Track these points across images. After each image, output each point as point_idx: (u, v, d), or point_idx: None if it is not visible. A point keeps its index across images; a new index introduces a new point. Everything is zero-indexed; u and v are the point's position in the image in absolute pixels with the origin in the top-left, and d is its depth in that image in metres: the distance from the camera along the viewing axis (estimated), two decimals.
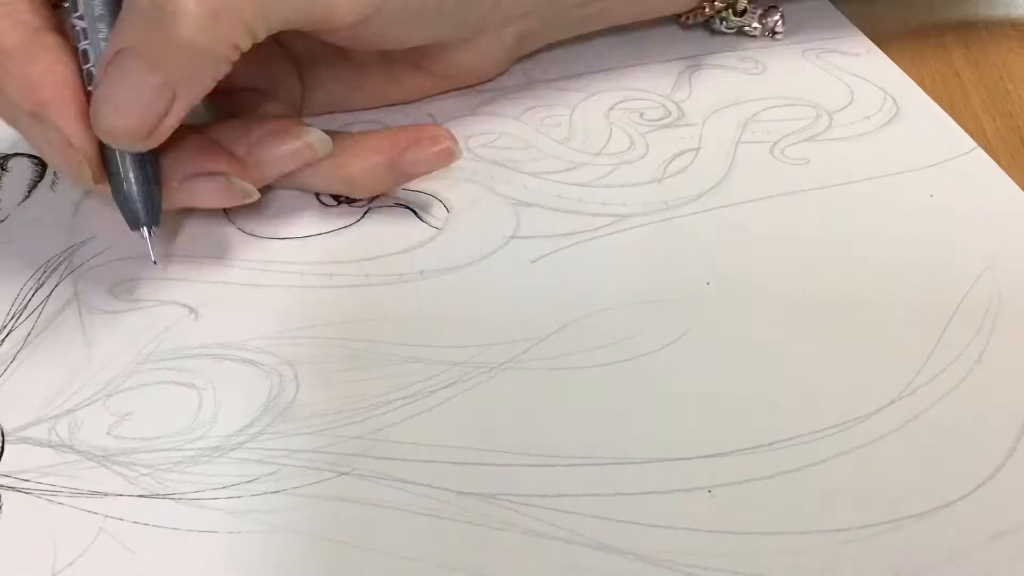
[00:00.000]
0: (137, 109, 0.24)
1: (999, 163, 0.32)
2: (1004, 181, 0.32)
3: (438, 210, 0.31)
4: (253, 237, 0.30)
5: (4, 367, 0.26)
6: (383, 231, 0.30)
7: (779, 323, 0.27)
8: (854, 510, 0.23)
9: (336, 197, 0.32)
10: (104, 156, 0.26)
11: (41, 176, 0.33)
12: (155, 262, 0.27)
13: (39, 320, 0.27)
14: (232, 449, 0.24)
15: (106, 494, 0.23)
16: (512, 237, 0.30)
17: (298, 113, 0.33)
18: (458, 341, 0.27)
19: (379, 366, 0.26)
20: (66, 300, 0.28)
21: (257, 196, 0.28)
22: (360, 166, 0.29)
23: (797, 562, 0.22)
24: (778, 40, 0.38)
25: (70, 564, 0.22)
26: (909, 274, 0.28)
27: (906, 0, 0.41)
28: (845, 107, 0.35)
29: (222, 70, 0.25)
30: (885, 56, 0.38)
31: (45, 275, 0.29)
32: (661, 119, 0.35)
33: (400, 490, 0.23)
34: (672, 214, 0.31)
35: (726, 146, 0.34)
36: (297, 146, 0.28)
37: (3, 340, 0.27)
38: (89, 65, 0.25)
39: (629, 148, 0.34)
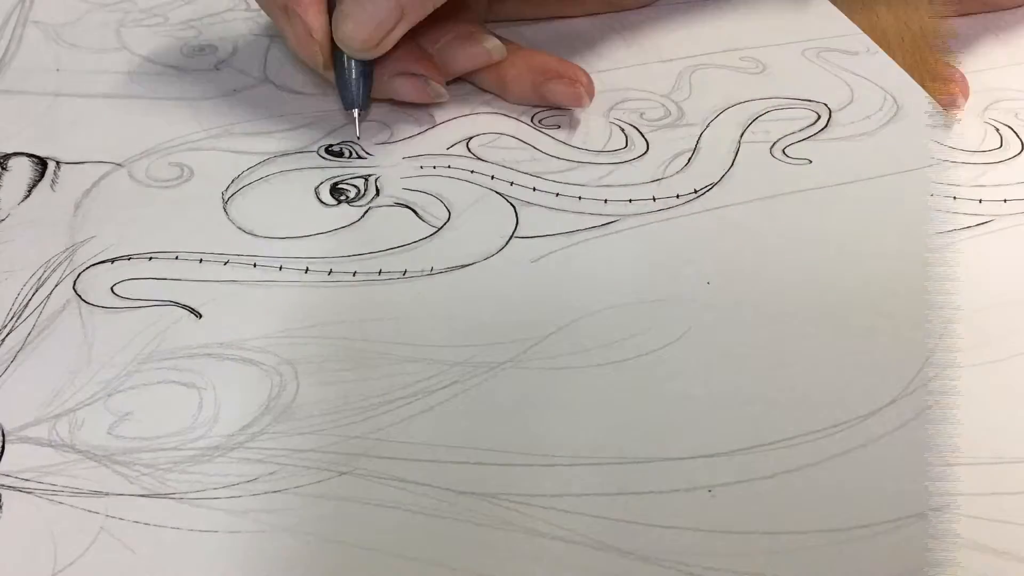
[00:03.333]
0: (371, 25, 0.30)
1: None
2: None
3: (438, 210, 0.31)
4: (253, 237, 0.30)
5: (4, 367, 0.26)
6: (383, 231, 0.30)
7: (779, 323, 0.27)
8: (854, 510, 0.23)
9: (336, 197, 0.32)
10: (333, 46, 0.32)
11: (41, 176, 0.33)
12: (359, 137, 0.33)
13: (39, 320, 0.27)
14: (232, 449, 0.24)
15: (107, 493, 0.23)
16: (512, 237, 0.30)
17: (483, 20, 0.37)
18: (458, 341, 0.27)
19: (379, 366, 0.26)
20: (66, 300, 0.28)
21: (447, 98, 0.34)
22: (514, 77, 0.35)
23: (797, 562, 0.22)
24: None
25: (71, 564, 0.22)
26: (909, 274, 0.28)
27: (906, 0, 0.41)
28: (845, 106, 0.35)
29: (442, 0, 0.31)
30: (885, 55, 0.38)
31: (45, 275, 0.29)
32: (661, 119, 0.35)
33: (400, 490, 0.23)
34: (672, 214, 0.31)
35: (726, 146, 0.34)
36: (478, 50, 0.34)
37: (3, 340, 0.27)
38: None
39: (629, 148, 0.34)
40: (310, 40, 0.31)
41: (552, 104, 0.35)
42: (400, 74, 0.33)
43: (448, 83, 0.35)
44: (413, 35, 0.32)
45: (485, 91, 0.36)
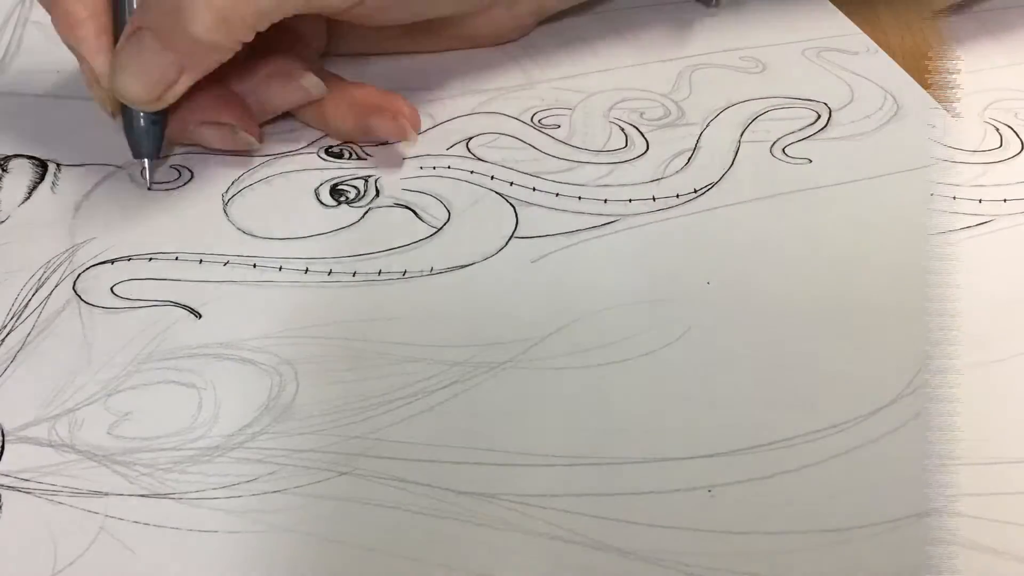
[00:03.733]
0: (148, 79, 0.28)
1: None
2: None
3: (438, 210, 0.31)
4: (253, 237, 0.30)
5: (4, 367, 0.26)
6: (383, 231, 0.30)
7: (779, 323, 0.27)
8: (854, 510, 0.23)
9: (336, 198, 0.32)
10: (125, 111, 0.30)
11: (41, 177, 0.33)
12: (150, 188, 0.32)
13: (39, 320, 0.27)
14: (232, 449, 0.24)
15: (106, 494, 0.23)
16: (512, 237, 0.30)
17: (323, 54, 0.36)
18: (458, 341, 0.27)
19: (379, 366, 0.26)
20: (66, 300, 0.28)
21: (258, 147, 0.32)
22: (334, 114, 0.33)
23: (797, 562, 0.22)
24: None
25: (70, 564, 0.22)
26: (909, 273, 0.28)
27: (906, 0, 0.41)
28: (845, 106, 0.35)
29: (227, 56, 0.29)
30: (885, 54, 0.38)
31: (45, 275, 0.29)
32: (661, 119, 0.35)
33: (400, 490, 0.23)
34: (672, 214, 0.31)
35: (726, 145, 0.34)
36: (294, 88, 0.32)
37: (3, 340, 0.27)
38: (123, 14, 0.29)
39: (629, 147, 0.34)
40: (96, 86, 0.30)
41: (375, 138, 0.33)
42: (205, 123, 0.31)
43: (273, 120, 0.34)
44: (222, 75, 0.30)
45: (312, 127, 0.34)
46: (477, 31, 0.37)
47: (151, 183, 0.31)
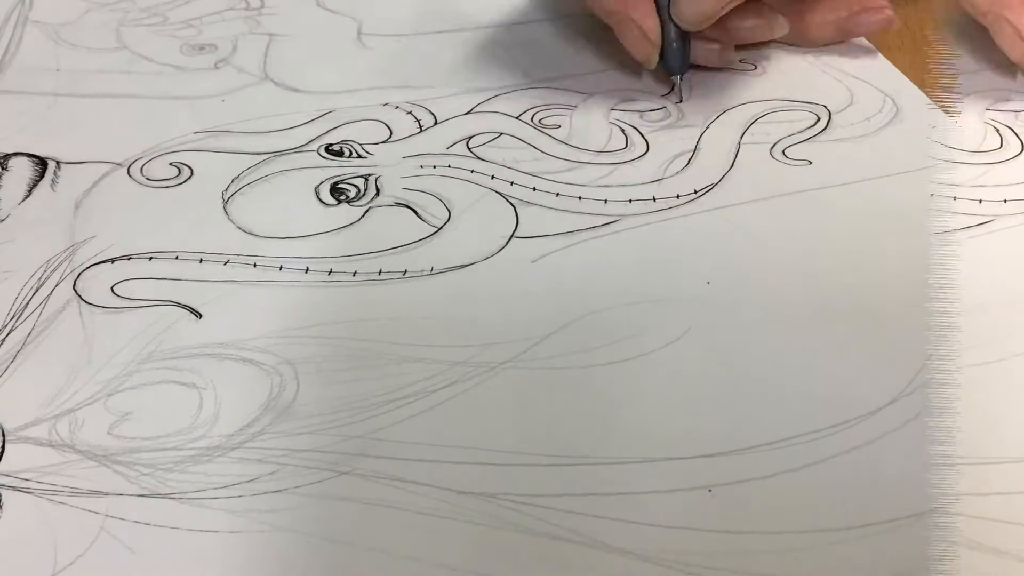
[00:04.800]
0: (710, 4, 0.34)
1: None
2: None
3: (438, 209, 0.31)
4: (253, 236, 0.30)
5: (4, 367, 0.26)
6: (383, 231, 0.30)
7: (779, 323, 0.27)
8: (854, 510, 0.23)
9: (336, 197, 0.32)
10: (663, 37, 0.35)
11: (41, 176, 0.33)
12: (680, 101, 0.36)
13: (39, 320, 0.27)
14: (233, 448, 0.24)
15: (107, 493, 0.23)
16: (512, 237, 0.30)
17: None
18: (458, 341, 0.27)
19: (379, 366, 0.26)
20: (66, 300, 0.28)
21: (736, 62, 0.38)
22: (816, 22, 0.38)
23: (797, 562, 0.22)
24: None
25: (71, 563, 0.22)
26: (909, 274, 0.28)
27: (906, 0, 0.41)
28: (845, 108, 0.35)
29: None
30: (884, 58, 0.38)
31: (45, 274, 0.29)
32: (661, 119, 0.35)
33: (400, 490, 0.23)
34: (672, 214, 0.31)
35: (726, 146, 0.34)
36: (763, 25, 0.37)
37: (3, 340, 0.27)
38: None
39: (629, 148, 0.34)
40: (646, 42, 0.35)
41: (862, 35, 0.39)
42: (705, 45, 0.37)
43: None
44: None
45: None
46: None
47: (681, 98, 0.36)
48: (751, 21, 0.37)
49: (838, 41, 0.39)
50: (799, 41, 0.39)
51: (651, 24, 0.35)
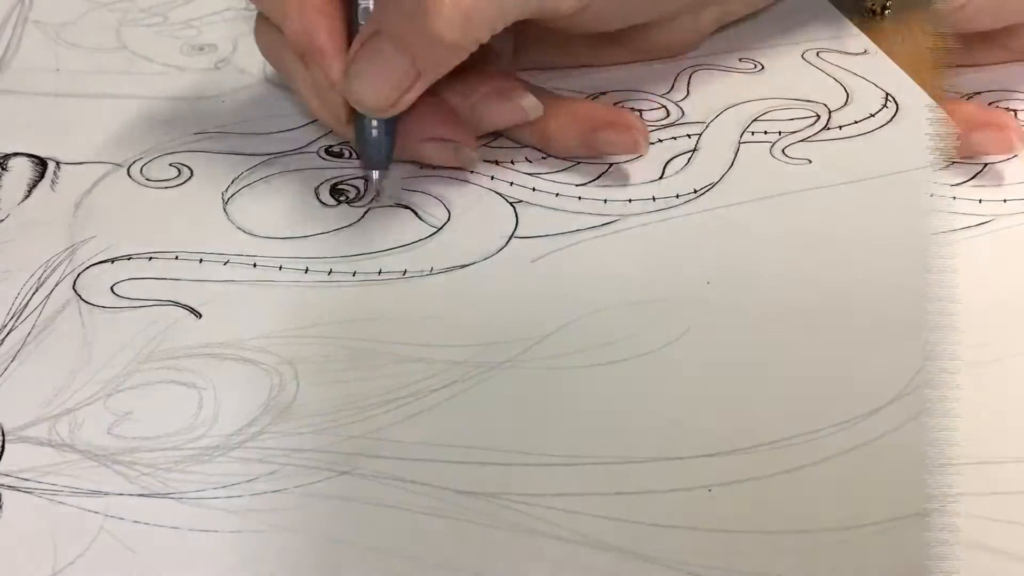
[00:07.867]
0: (385, 85, 0.28)
1: None
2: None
3: (438, 210, 0.31)
4: (253, 237, 0.30)
5: (4, 367, 0.26)
6: (383, 231, 0.30)
7: (779, 323, 0.27)
8: (854, 510, 0.23)
9: (336, 197, 0.32)
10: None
11: (41, 176, 0.33)
12: (376, 197, 0.31)
13: (39, 320, 0.27)
14: (232, 448, 0.24)
15: (107, 493, 0.23)
16: (512, 237, 0.30)
17: (509, 66, 0.35)
18: (458, 341, 0.27)
19: (379, 366, 0.26)
20: (66, 300, 0.28)
21: (477, 165, 0.32)
22: (557, 129, 0.32)
23: (797, 562, 0.22)
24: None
25: (71, 563, 0.22)
26: (909, 274, 0.28)
27: (906, 0, 0.41)
28: (845, 107, 0.35)
29: (462, 59, 0.28)
30: (885, 56, 0.38)
31: (45, 274, 0.29)
32: (661, 119, 0.35)
33: (400, 490, 0.23)
34: (672, 214, 0.31)
35: (726, 146, 0.34)
36: (512, 107, 0.32)
37: (3, 340, 0.27)
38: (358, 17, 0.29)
39: None
40: (332, 94, 0.29)
41: (604, 155, 0.32)
42: (429, 139, 0.31)
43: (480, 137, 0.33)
44: (439, 90, 0.30)
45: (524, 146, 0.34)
46: (660, 41, 0.37)
47: (379, 196, 0.31)
48: (494, 104, 0.31)
49: (585, 155, 0.33)
50: (544, 148, 0.33)
51: (339, 72, 0.29)
